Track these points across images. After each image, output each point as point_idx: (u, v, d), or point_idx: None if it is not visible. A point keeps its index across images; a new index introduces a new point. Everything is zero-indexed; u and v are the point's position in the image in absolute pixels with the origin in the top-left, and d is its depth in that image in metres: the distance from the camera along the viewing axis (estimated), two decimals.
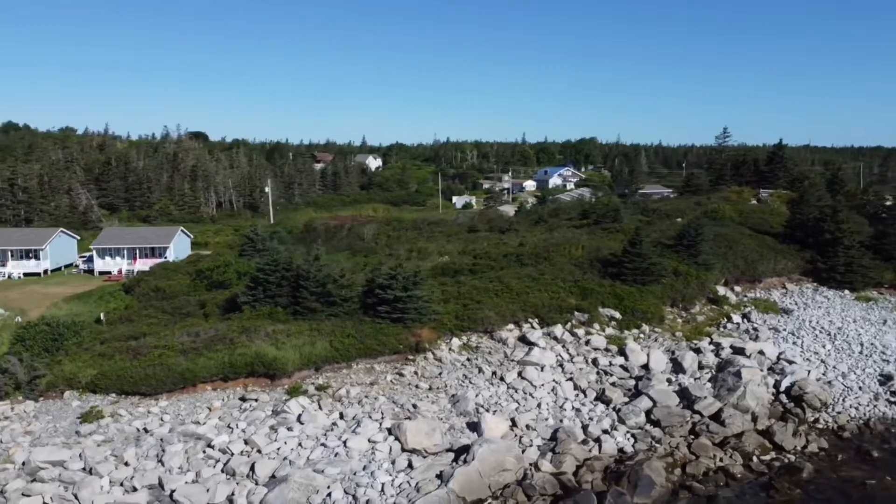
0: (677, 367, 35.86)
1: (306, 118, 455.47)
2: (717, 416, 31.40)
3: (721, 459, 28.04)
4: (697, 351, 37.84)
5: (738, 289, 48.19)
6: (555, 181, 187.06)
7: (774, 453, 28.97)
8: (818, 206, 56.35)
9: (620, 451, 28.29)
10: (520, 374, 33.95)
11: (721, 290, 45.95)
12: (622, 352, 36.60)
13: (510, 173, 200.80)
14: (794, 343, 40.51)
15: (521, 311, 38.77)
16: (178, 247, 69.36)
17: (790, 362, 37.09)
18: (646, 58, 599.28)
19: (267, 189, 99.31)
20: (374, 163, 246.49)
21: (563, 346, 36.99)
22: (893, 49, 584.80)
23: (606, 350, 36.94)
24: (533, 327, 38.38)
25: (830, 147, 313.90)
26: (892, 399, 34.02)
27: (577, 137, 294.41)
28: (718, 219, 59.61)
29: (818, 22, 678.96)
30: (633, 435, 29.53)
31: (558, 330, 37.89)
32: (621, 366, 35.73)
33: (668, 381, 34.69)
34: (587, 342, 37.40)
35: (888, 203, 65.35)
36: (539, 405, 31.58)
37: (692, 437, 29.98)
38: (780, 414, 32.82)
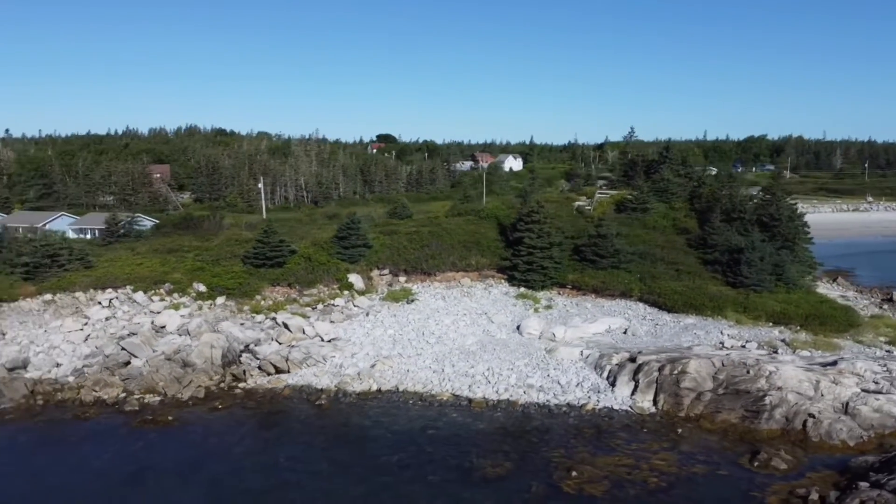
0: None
1: (496, 119, 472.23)
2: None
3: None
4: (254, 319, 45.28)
5: (402, 279, 52.49)
6: None
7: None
8: (531, 206, 56.47)
9: None
10: None
11: (353, 278, 51.01)
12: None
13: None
14: (369, 326, 45.50)
15: None
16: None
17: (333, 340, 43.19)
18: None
19: (260, 185, 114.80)
20: (514, 164, 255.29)
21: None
22: None
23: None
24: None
25: None
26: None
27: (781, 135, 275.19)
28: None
29: None
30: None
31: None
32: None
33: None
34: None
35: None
36: None
37: None
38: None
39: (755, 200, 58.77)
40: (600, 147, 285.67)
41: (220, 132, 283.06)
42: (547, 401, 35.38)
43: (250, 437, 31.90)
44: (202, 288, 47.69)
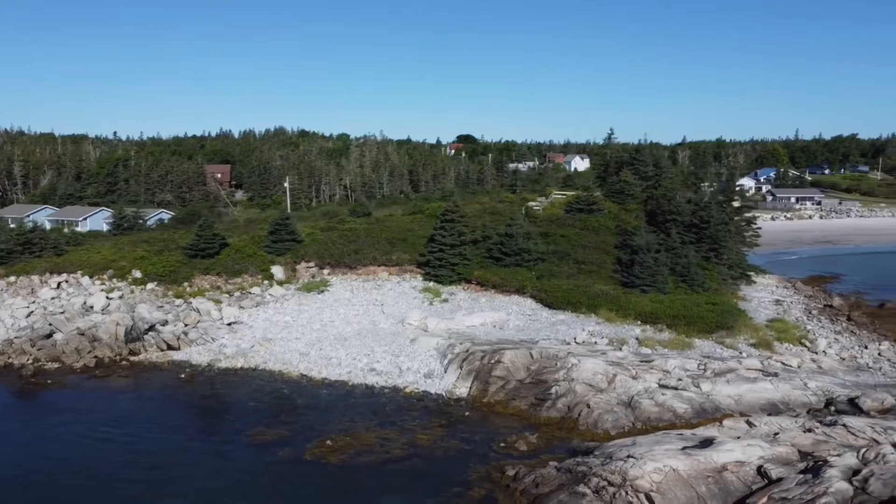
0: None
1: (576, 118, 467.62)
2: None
3: None
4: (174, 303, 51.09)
5: (325, 271, 56.79)
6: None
7: None
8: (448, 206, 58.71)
9: None
10: None
11: (275, 270, 55.69)
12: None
13: None
14: (271, 312, 50.31)
15: None
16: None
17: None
18: None
19: (286, 184, 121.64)
20: (581, 163, 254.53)
21: None
22: None
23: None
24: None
25: None
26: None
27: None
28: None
29: None
30: None
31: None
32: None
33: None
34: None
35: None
36: None
37: None
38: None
39: (691, 203, 58.79)
40: (680, 145, 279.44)
41: (303, 133, 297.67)
42: (376, 382, 38.70)
43: (102, 397, 37.24)
44: (138, 274, 53.97)
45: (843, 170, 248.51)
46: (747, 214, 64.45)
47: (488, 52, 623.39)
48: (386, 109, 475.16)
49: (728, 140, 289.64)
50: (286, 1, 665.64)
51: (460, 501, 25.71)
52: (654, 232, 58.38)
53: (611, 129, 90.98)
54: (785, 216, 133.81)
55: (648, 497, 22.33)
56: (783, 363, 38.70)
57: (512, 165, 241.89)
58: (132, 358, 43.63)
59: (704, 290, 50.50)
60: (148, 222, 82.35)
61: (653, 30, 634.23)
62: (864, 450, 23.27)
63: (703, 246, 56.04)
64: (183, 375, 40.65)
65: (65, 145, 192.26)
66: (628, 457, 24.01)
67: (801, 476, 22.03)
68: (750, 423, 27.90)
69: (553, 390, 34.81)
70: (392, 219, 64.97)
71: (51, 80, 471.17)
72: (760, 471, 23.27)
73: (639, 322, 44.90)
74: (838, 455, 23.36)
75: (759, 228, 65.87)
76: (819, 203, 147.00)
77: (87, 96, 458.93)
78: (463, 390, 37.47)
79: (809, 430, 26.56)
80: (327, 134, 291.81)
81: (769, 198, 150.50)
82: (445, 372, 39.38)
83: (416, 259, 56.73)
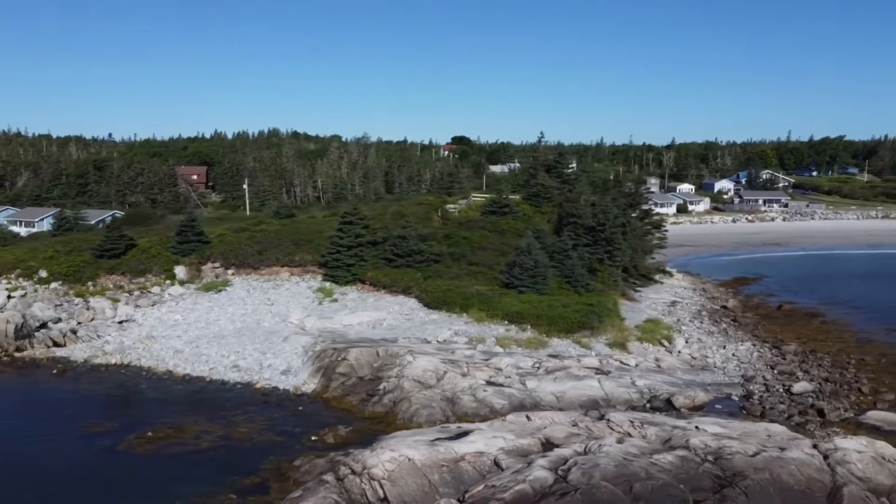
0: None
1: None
2: None
3: None
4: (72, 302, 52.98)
5: (230, 271, 58.50)
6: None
7: None
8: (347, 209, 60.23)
9: None
10: None
11: (178, 270, 57.45)
12: None
13: (654, 179, 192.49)
14: (165, 310, 52.07)
15: None
16: None
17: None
18: None
19: (244, 186, 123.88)
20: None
21: None
22: None
23: None
24: None
25: None
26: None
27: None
28: None
29: None
30: None
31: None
32: None
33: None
34: None
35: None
36: None
37: None
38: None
39: (592, 205, 60.06)
40: (668, 147, 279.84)
41: (296, 134, 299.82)
42: (233, 379, 40.36)
43: None
44: (44, 273, 55.88)
45: (830, 172, 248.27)
46: (655, 217, 65.60)
47: (487, 52, 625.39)
48: (384, 112, 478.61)
49: (724, 142, 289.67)
50: (288, 3, 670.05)
51: (235, 488, 27.18)
52: (556, 233, 59.79)
53: (541, 133, 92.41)
54: (747, 218, 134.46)
55: (381, 484, 23.77)
56: (622, 362, 40.03)
57: (497, 167, 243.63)
58: (17, 354, 45.40)
59: (587, 291, 51.75)
60: (92, 223, 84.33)
61: (649, 31, 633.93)
62: (592, 442, 24.61)
63: (598, 248, 57.27)
64: (55, 371, 42.39)
65: (50, 147, 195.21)
66: (376, 447, 25.46)
67: (518, 466, 23.42)
68: (528, 418, 29.23)
69: (382, 386, 36.31)
70: (306, 221, 66.59)
71: (54, 82, 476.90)
72: (495, 461, 24.65)
73: (506, 322, 46.22)
74: (565, 447, 24.71)
75: (667, 231, 67.04)
76: (786, 205, 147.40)
77: (84, 99, 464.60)
78: (310, 386, 39.02)
79: (575, 424, 27.90)
80: (323, 135, 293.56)
81: (736, 200, 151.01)
82: (301, 369, 40.92)
83: (318, 260, 58.26)
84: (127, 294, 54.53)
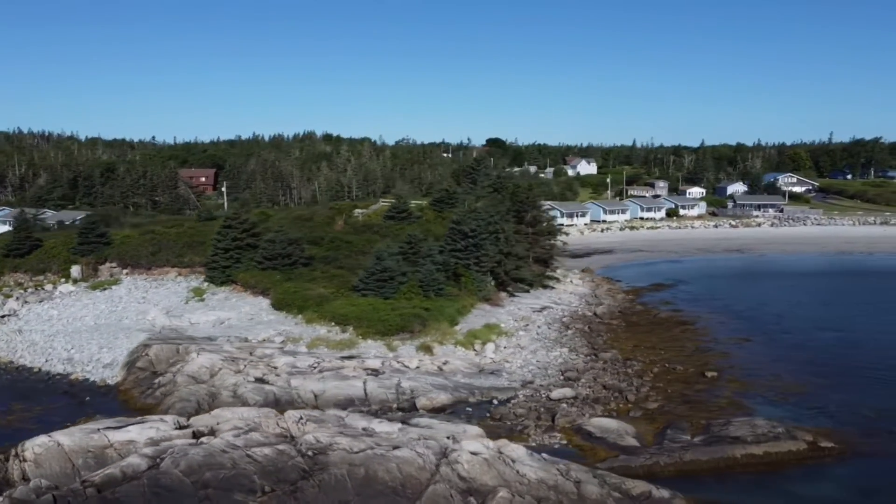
0: None
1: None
2: None
3: None
4: None
5: (125, 271, 62.54)
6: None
7: None
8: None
9: None
10: None
11: (74, 269, 61.72)
12: None
13: (662, 182, 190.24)
14: (47, 306, 56.48)
15: None
16: None
17: None
18: None
19: (223, 189, 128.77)
20: (588, 168, 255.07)
21: None
22: None
23: None
24: None
25: None
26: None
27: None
28: None
29: None
30: None
31: None
32: None
33: None
34: None
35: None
36: None
37: None
38: None
39: (472, 211, 61.47)
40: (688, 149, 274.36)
41: (327, 137, 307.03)
42: (57, 369, 43.94)
43: None
44: None
45: (865, 175, 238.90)
46: (546, 225, 66.39)
47: (524, 55, 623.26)
48: (422, 112, 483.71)
49: (763, 144, 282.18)
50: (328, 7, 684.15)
51: None
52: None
53: (468, 138, 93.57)
54: (730, 224, 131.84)
55: (27, 466, 26.60)
56: (404, 364, 41.75)
57: (516, 169, 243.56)
58: None
59: (438, 295, 53.40)
60: (51, 224, 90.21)
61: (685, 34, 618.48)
62: (226, 434, 26.83)
63: (468, 254, 58.75)
64: None
65: (80, 151, 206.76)
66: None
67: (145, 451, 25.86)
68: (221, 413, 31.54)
69: (158, 380, 39.19)
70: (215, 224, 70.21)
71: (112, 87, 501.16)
72: (136, 449, 27.14)
73: (332, 323, 48.46)
74: (190, 440, 27.00)
75: (558, 240, 67.81)
76: (781, 210, 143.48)
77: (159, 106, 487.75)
78: (117, 378, 42.23)
79: (252, 420, 30.06)
80: (356, 137, 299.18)
81: (730, 204, 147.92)
82: (119, 363, 44.22)
83: (205, 261, 61.72)
84: (22, 291, 59.16)
